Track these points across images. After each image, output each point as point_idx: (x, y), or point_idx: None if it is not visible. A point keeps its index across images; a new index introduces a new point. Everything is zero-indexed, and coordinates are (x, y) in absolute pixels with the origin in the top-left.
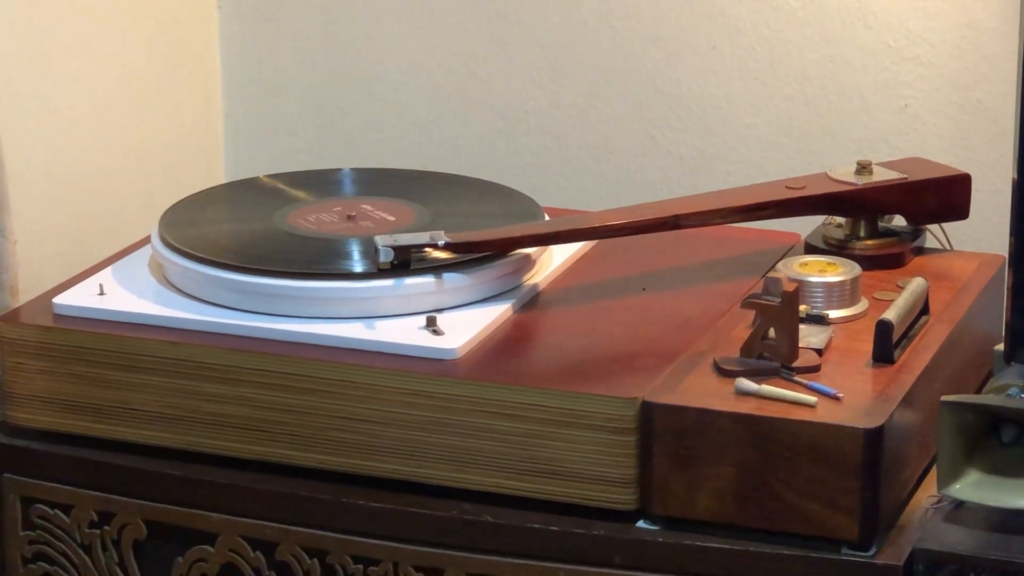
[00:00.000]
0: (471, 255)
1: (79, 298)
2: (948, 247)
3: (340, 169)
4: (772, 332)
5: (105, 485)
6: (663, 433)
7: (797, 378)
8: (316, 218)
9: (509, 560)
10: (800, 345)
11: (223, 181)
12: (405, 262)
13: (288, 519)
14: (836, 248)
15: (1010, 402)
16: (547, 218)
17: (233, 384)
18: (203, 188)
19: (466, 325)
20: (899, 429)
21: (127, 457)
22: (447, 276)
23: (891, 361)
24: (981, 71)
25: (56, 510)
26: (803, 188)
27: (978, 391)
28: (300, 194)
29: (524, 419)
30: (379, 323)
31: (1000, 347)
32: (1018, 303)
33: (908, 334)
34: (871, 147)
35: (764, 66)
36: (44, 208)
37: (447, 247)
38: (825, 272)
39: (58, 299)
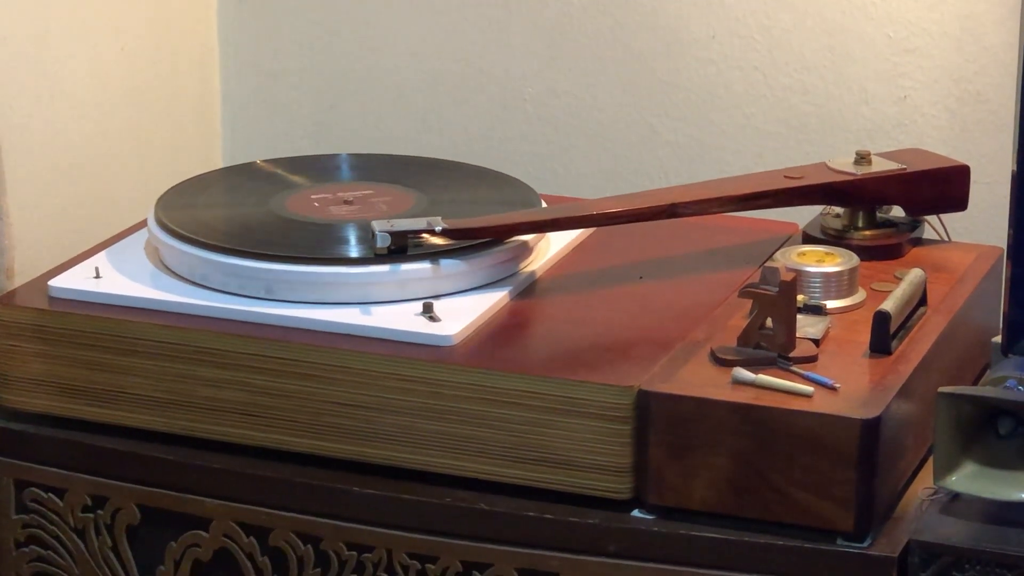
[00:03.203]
0: (468, 241)
1: (75, 281)
2: (946, 238)
3: (338, 154)
4: (769, 322)
5: (99, 469)
6: (659, 422)
7: (794, 368)
8: (313, 203)
9: (503, 548)
10: (797, 335)
11: (221, 165)
12: (402, 248)
13: (282, 505)
14: (834, 238)
15: (1007, 394)
16: (544, 205)
17: (228, 368)
18: (201, 172)
19: (463, 312)
20: (895, 420)
21: (121, 441)
22: (444, 262)
23: (888, 352)
24: (981, 63)
25: (49, 493)
26: (802, 178)
27: (975, 383)
28: (297, 179)
29: (520, 407)
30: (375, 309)
31: (997, 339)
32: (1016, 295)
33: (905, 325)
34: (870, 137)
35: (764, 56)
36: (40, 190)
37: (444, 233)
38: (823, 262)
39: (54, 282)
